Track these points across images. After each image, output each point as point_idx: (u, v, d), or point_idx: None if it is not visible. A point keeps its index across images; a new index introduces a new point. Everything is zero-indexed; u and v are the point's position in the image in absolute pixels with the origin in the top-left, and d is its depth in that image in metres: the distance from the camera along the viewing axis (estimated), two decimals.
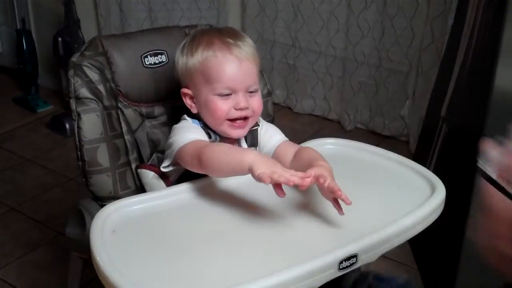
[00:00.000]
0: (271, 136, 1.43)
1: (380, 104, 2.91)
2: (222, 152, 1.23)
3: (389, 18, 2.73)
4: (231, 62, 1.32)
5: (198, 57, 1.34)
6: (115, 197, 1.38)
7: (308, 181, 1.12)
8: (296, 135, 2.86)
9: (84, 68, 1.43)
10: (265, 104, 1.58)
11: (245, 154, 1.17)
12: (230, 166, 1.20)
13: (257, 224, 1.22)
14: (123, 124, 1.47)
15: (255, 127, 1.43)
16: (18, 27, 3.29)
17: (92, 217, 1.28)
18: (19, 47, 3.23)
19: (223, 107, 1.33)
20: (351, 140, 1.53)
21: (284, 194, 1.13)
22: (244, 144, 1.41)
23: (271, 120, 1.60)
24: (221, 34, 1.36)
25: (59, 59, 3.05)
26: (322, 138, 1.54)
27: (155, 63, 1.53)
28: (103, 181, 1.40)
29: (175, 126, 1.39)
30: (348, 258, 1.09)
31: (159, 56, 1.53)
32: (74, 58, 1.45)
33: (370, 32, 2.79)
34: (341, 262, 1.08)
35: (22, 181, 2.62)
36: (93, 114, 1.40)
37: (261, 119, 1.47)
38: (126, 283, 1.07)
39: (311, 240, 1.17)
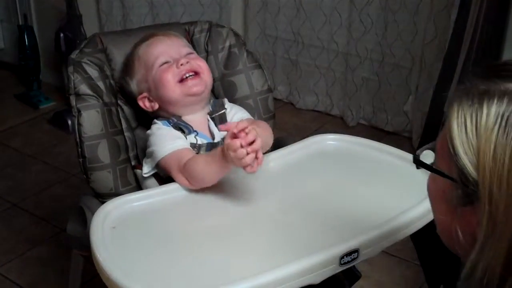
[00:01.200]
0: (239, 118, 1.45)
1: (383, 99, 2.90)
2: (202, 163, 1.27)
3: (392, 13, 2.72)
4: (158, 41, 1.44)
5: (133, 58, 1.44)
6: (116, 194, 1.38)
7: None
8: (299, 131, 2.86)
9: (84, 65, 1.43)
10: (265, 100, 1.58)
11: (213, 156, 1.24)
12: (214, 171, 1.26)
13: (258, 220, 1.22)
14: (123, 121, 1.47)
15: (223, 110, 1.45)
16: (20, 23, 3.28)
17: (93, 214, 1.28)
18: (21, 43, 3.23)
19: (168, 73, 1.39)
20: (353, 136, 1.53)
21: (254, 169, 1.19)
22: (213, 127, 1.42)
23: (272, 116, 1.60)
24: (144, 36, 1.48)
25: (61, 55, 3.05)
26: (324, 134, 1.53)
27: None
28: (104, 178, 1.40)
29: (149, 133, 1.41)
30: (349, 253, 1.09)
31: None
32: (74, 55, 1.45)
33: (373, 27, 2.78)
34: (342, 257, 1.08)
35: (24, 177, 2.62)
36: (93, 110, 1.40)
37: (228, 102, 1.49)
38: (126, 279, 1.07)
39: (312, 236, 1.16)
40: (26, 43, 3.21)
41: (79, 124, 1.39)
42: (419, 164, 0.78)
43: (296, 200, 1.27)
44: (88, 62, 1.44)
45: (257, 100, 1.57)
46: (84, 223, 1.41)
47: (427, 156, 0.77)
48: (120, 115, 1.47)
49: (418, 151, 0.79)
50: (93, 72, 1.43)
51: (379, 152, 1.45)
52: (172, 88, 1.39)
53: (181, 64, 1.39)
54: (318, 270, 1.06)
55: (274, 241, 1.16)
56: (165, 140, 1.35)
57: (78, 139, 1.40)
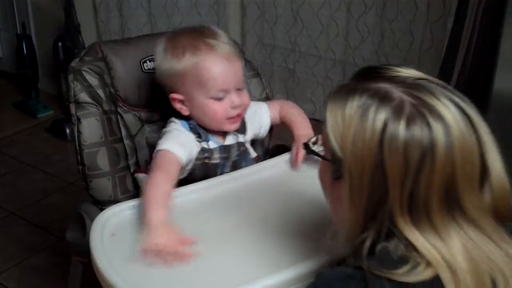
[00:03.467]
0: (260, 116, 1.52)
1: None
2: (151, 196, 1.24)
3: (389, 22, 2.73)
4: (221, 64, 1.34)
5: (186, 63, 1.35)
6: (115, 201, 1.39)
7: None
8: None
9: (84, 73, 1.44)
10: None
11: (153, 214, 1.20)
12: (144, 206, 1.23)
13: (256, 227, 1.23)
14: (122, 129, 1.48)
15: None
16: (18, 31, 3.29)
17: (92, 221, 1.29)
18: (19, 52, 3.24)
19: (220, 110, 1.37)
20: None
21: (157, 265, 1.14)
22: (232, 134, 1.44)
23: None
24: (202, 35, 1.38)
25: (60, 63, 3.05)
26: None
27: (154, 68, 1.53)
28: (103, 185, 1.40)
29: (165, 130, 1.41)
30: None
31: None
32: (74, 63, 1.46)
33: (370, 36, 2.80)
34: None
35: (22, 186, 2.62)
36: (93, 118, 1.41)
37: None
38: (126, 286, 1.08)
39: (310, 241, 1.17)
40: (24, 52, 3.22)
41: (79, 132, 1.40)
42: (308, 151, 1.03)
43: (295, 208, 1.28)
44: (88, 70, 1.45)
45: None
46: (84, 230, 1.42)
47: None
48: (120, 123, 1.48)
49: (308, 141, 1.04)
50: (93, 80, 1.44)
51: None
52: (220, 122, 1.39)
53: (235, 106, 1.37)
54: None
55: (271, 247, 1.17)
56: (170, 139, 1.36)
57: (77, 147, 1.40)
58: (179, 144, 1.35)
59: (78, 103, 1.41)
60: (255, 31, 3.09)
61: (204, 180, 1.37)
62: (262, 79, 1.63)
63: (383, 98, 0.81)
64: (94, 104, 1.42)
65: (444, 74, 2.28)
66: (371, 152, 0.79)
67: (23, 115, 3.22)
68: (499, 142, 0.83)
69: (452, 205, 0.79)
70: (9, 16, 3.39)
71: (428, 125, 0.78)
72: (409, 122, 0.78)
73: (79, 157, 1.40)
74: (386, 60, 2.80)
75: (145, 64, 1.52)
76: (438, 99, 0.81)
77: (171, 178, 1.29)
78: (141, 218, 1.22)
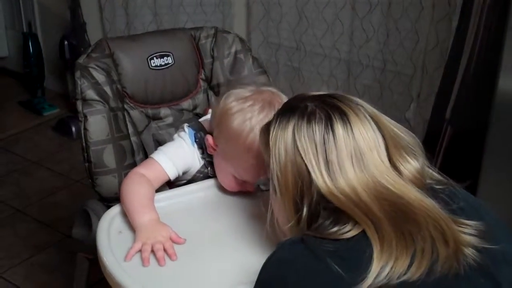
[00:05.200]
0: None
1: (384, 107, 2.91)
2: (135, 200, 1.26)
3: (394, 21, 2.73)
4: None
5: (244, 138, 1.25)
6: None
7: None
8: None
9: (91, 69, 1.44)
10: None
11: (144, 216, 1.22)
12: (129, 213, 1.25)
13: (257, 227, 1.23)
14: (129, 126, 1.48)
15: None
16: (25, 30, 3.31)
17: (98, 217, 1.30)
18: (25, 50, 3.25)
19: (233, 185, 1.34)
20: None
21: (148, 263, 1.15)
22: None
23: None
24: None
25: (65, 62, 3.07)
26: None
27: (161, 65, 1.54)
28: (109, 182, 1.41)
29: (174, 137, 1.43)
30: None
31: (165, 58, 1.55)
32: (81, 60, 1.46)
33: (375, 35, 2.79)
34: None
35: (28, 183, 2.63)
36: (100, 115, 1.41)
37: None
38: (132, 283, 1.08)
39: None
40: (31, 51, 3.23)
41: (85, 129, 1.41)
42: (258, 189, 1.15)
43: None
44: (95, 67, 1.45)
45: None
46: (89, 227, 1.43)
47: None
48: (127, 119, 1.48)
49: (258, 182, 1.15)
50: (100, 77, 1.44)
51: None
52: (224, 186, 1.37)
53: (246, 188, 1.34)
54: None
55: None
56: (170, 154, 1.37)
57: (84, 144, 1.41)
58: (173, 161, 1.36)
59: (84, 100, 1.42)
60: (260, 30, 3.10)
61: (191, 184, 1.39)
62: (269, 77, 1.64)
63: (292, 110, 1.01)
64: (101, 102, 1.42)
65: (449, 73, 2.28)
66: (287, 147, 0.97)
67: (29, 113, 3.23)
68: (503, 139, 0.86)
69: (361, 163, 0.94)
70: (16, 15, 3.40)
71: (327, 114, 0.98)
72: (309, 117, 0.98)
73: (85, 154, 1.41)
74: (391, 59, 2.80)
75: (152, 61, 1.53)
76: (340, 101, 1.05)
77: (153, 185, 1.33)
78: (132, 224, 1.23)
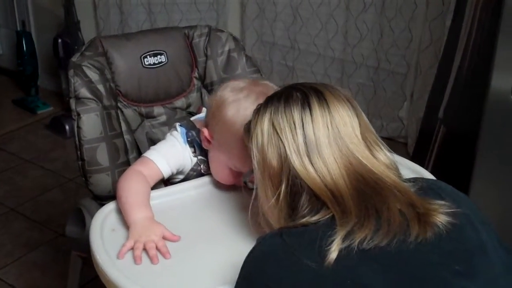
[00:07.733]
0: None
1: (378, 105, 2.92)
2: (130, 198, 1.26)
3: (388, 20, 2.74)
4: None
5: (239, 125, 1.23)
6: (115, 196, 1.39)
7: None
8: None
9: (84, 68, 1.44)
10: None
11: (139, 214, 1.22)
12: (124, 209, 1.25)
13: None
14: (122, 124, 1.48)
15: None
16: (18, 28, 3.30)
17: (92, 216, 1.29)
18: (19, 48, 3.24)
19: (228, 178, 1.34)
20: None
21: (140, 262, 1.15)
22: None
23: None
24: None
25: (59, 60, 3.06)
26: None
27: (154, 64, 1.54)
28: (103, 180, 1.41)
29: (166, 135, 1.42)
30: None
31: (159, 56, 1.55)
32: (74, 58, 1.46)
33: (369, 34, 2.80)
34: None
35: (22, 182, 2.63)
36: (93, 113, 1.41)
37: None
38: (125, 281, 1.08)
39: None
40: (24, 49, 3.23)
41: (79, 127, 1.40)
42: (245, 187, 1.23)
43: None
44: (89, 65, 1.45)
45: None
46: (83, 225, 1.43)
47: None
48: (120, 118, 1.48)
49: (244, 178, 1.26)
50: (93, 75, 1.44)
51: None
52: (219, 179, 1.36)
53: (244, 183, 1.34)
54: None
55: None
56: (162, 151, 1.37)
57: (77, 142, 1.41)
58: (166, 159, 1.35)
59: (78, 99, 1.42)
60: (255, 28, 3.10)
61: (185, 182, 1.39)
62: (262, 75, 1.64)
63: (271, 96, 1.06)
64: (94, 100, 1.42)
65: (442, 72, 2.29)
66: (265, 128, 1.01)
67: (22, 111, 3.23)
68: (495, 139, 0.86)
69: (337, 138, 0.98)
70: (9, 13, 3.40)
71: (303, 93, 1.02)
72: (287, 98, 1.02)
73: (78, 152, 1.41)
74: (385, 58, 2.81)
75: (145, 59, 1.53)
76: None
77: (148, 182, 1.32)
78: (126, 221, 1.23)
